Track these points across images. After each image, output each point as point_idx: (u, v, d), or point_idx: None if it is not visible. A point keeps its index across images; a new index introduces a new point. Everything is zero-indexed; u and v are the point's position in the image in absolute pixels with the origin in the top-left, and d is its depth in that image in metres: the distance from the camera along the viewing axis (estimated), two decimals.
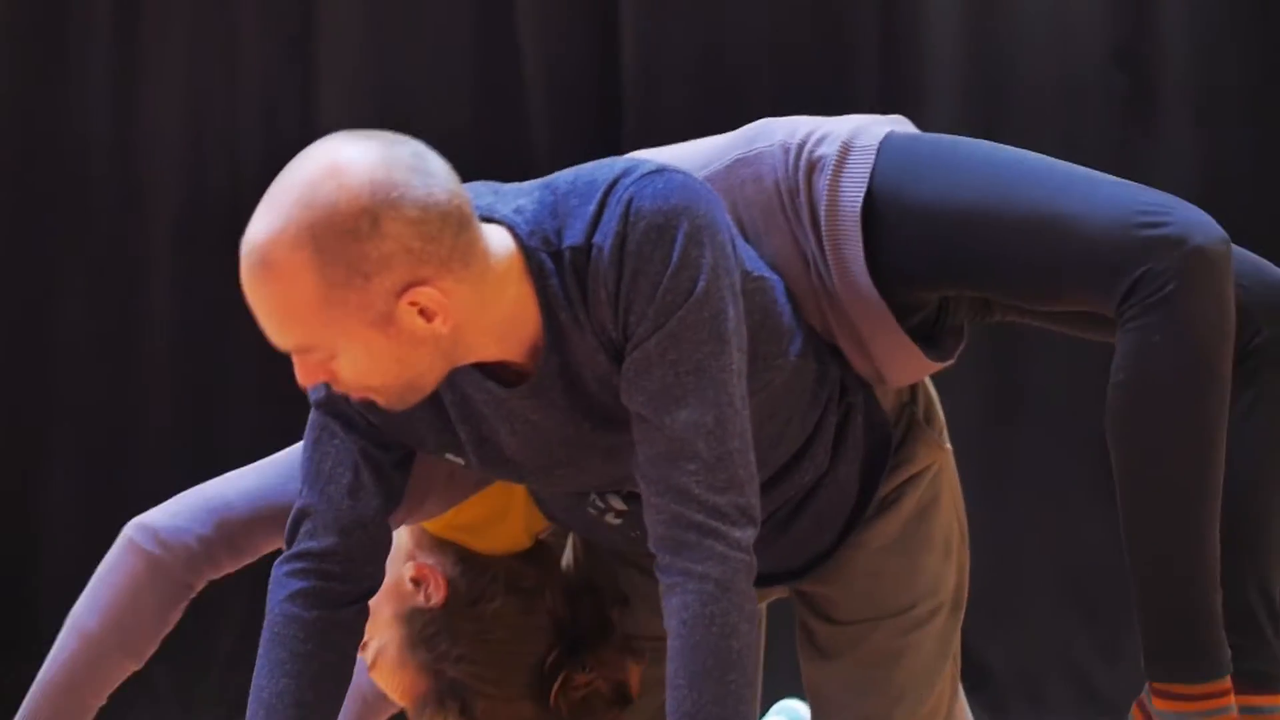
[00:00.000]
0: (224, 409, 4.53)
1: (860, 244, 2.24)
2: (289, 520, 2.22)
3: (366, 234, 1.93)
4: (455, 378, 2.12)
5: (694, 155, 2.33)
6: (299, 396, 2.22)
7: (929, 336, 2.35)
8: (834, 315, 2.28)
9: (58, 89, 4.55)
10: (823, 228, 2.26)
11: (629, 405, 2.07)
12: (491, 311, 2.04)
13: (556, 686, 2.41)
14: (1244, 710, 2.19)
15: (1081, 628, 4.41)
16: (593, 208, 2.05)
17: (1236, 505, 2.20)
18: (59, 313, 4.57)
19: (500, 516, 2.47)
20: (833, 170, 2.26)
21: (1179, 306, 2.10)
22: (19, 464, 4.57)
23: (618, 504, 2.31)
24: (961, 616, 2.52)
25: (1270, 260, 2.36)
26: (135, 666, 2.40)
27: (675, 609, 2.03)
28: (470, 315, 2.01)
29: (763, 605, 2.58)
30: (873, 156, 2.26)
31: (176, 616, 2.40)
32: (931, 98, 4.44)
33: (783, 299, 2.25)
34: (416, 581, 2.45)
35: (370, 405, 2.11)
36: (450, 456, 2.25)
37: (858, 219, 2.24)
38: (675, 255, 2.02)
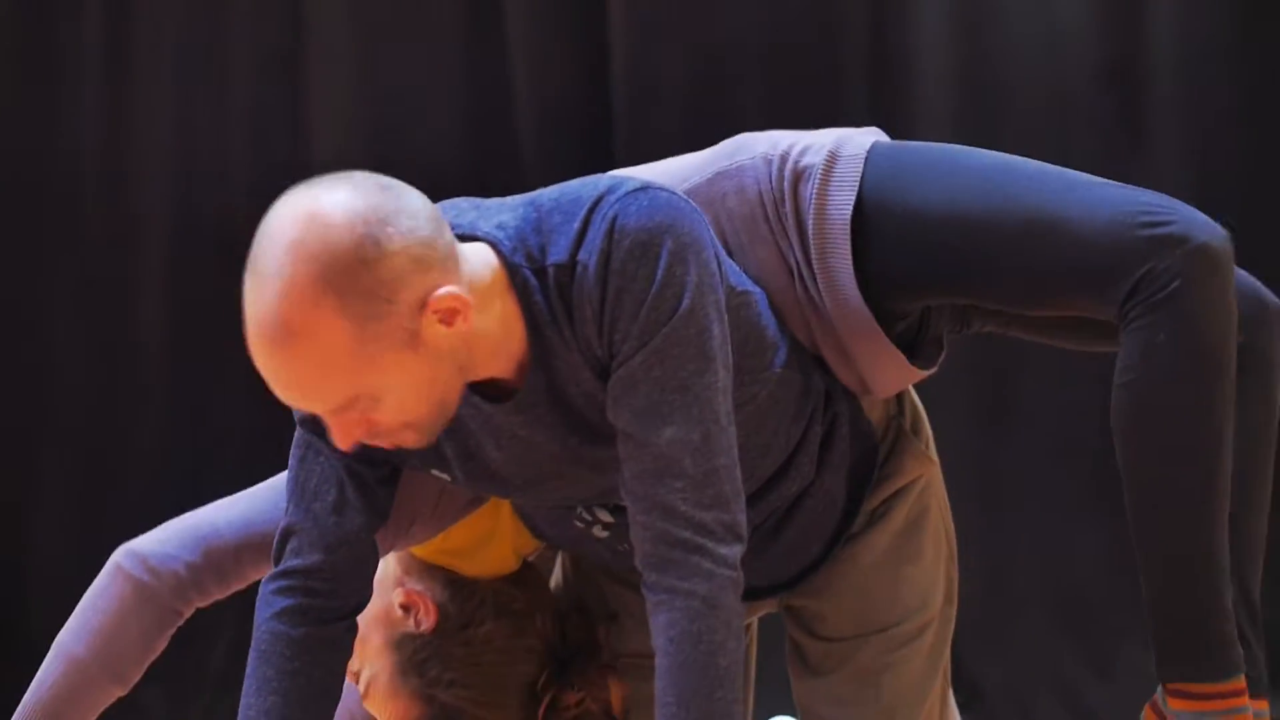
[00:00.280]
0: (214, 430, 4.53)
1: (849, 252, 2.24)
2: (275, 538, 2.21)
3: (374, 258, 1.92)
4: None
5: (675, 171, 2.33)
6: (288, 418, 2.21)
7: (911, 345, 2.35)
8: (818, 325, 2.28)
9: (47, 108, 4.55)
10: (810, 236, 2.25)
11: (614, 422, 2.07)
12: (483, 321, 2.04)
13: (544, 706, 2.41)
14: None
15: (1072, 643, 4.41)
16: (577, 225, 2.05)
17: None
18: (50, 334, 4.57)
19: (487, 539, 2.47)
20: (820, 179, 2.26)
21: (1184, 304, 2.10)
22: (10, 483, 4.57)
23: (605, 516, 2.31)
24: (951, 631, 2.52)
25: (1261, 276, 2.36)
26: (121, 692, 2.39)
27: (663, 626, 2.03)
28: (472, 321, 2.01)
29: (753, 620, 2.58)
30: (861, 164, 2.26)
31: (164, 643, 2.40)
32: (922, 116, 4.45)
33: (766, 312, 2.25)
34: (406, 608, 2.45)
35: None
36: (436, 473, 2.25)
37: (847, 226, 2.23)
38: (660, 273, 2.02)
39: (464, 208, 2.13)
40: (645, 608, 2.06)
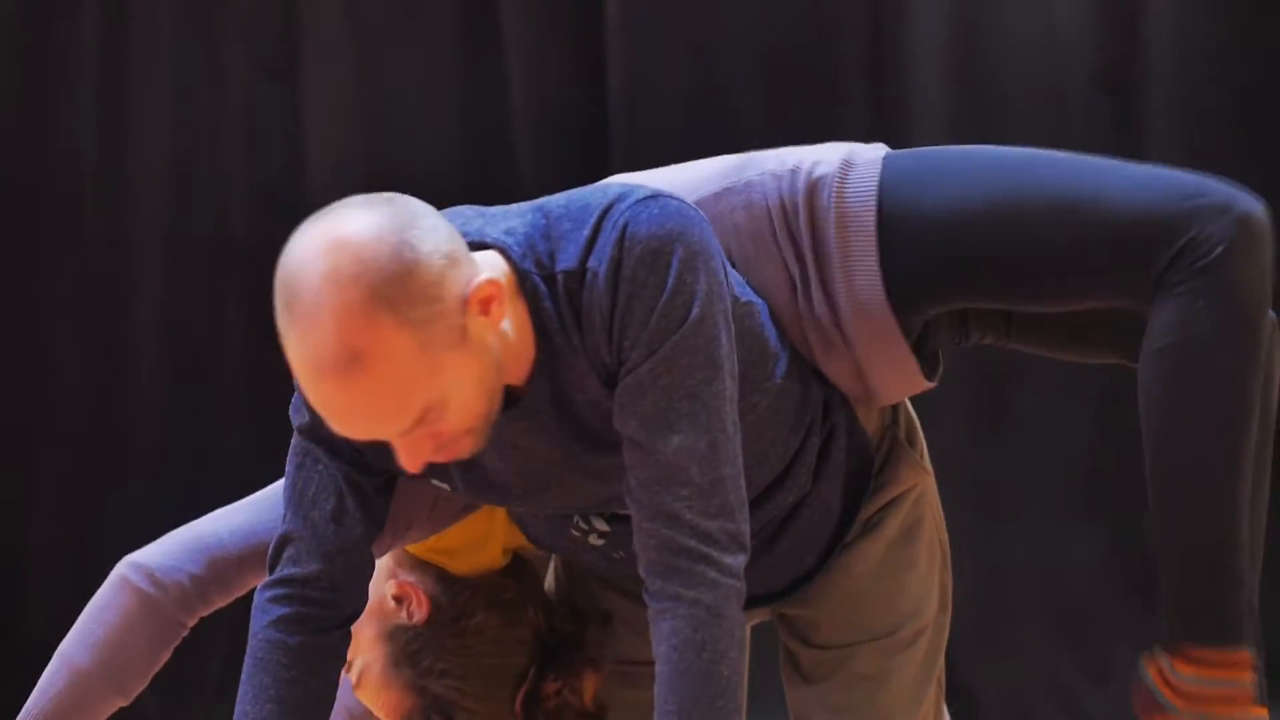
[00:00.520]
0: (213, 430, 4.53)
1: (875, 257, 2.22)
2: (272, 545, 2.21)
3: (413, 261, 1.91)
4: None
5: (681, 184, 2.31)
6: (285, 419, 2.22)
7: (918, 356, 2.35)
8: (818, 339, 2.28)
9: (46, 109, 4.55)
10: (830, 244, 2.25)
11: (621, 430, 2.07)
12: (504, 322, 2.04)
13: (522, 694, 2.42)
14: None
15: (1069, 650, 4.41)
16: (587, 232, 2.04)
17: None
18: (50, 334, 4.57)
19: (481, 543, 2.47)
20: (836, 187, 2.25)
21: (1226, 271, 2.10)
22: (10, 483, 4.57)
23: (601, 525, 2.30)
24: (945, 639, 2.52)
25: None
26: (124, 703, 2.39)
27: (665, 634, 2.03)
28: (505, 309, 2.01)
29: (747, 629, 2.59)
30: (878, 168, 2.25)
31: (168, 655, 2.39)
32: (920, 117, 4.45)
33: (768, 323, 2.25)
34: (399, 599, 2.45)
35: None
36: (436, 482, 2.25)
37: (871, 231, 2.23)
38: (670, 281, 2.02)
39: (469, 215, 2.13)
40: (636, 614, 2.06)
